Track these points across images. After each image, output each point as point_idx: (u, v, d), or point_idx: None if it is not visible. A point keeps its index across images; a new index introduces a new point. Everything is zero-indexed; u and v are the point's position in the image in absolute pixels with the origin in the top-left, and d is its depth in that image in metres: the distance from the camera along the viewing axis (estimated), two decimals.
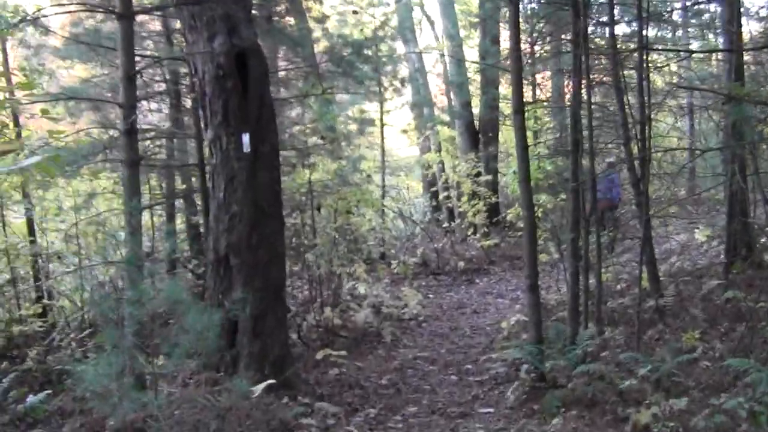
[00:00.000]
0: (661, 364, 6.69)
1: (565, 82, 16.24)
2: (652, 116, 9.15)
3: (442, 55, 22.89)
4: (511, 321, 10.43)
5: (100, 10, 8.70)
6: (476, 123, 20.48)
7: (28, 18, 7.95)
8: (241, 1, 7.79)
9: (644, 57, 8.69)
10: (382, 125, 18.42)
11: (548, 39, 14.41)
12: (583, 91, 8.41)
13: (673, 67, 18.16)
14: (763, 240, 10.86)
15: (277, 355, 7.76)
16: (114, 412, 5.36)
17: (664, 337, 8.13)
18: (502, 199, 19.98)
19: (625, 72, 10.35)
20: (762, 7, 17.54)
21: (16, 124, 11.03)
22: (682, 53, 14.54)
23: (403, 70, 20.38)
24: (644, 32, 9.00)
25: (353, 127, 15.61)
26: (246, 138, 7.61)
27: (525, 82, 13.18)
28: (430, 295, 14.17)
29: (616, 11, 10.00)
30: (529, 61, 15.21)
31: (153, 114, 12.66)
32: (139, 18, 10.39)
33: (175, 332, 5.34)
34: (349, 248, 13.22)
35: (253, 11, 8.82)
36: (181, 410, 5.96)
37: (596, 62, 11.95)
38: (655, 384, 6.58)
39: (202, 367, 7.19)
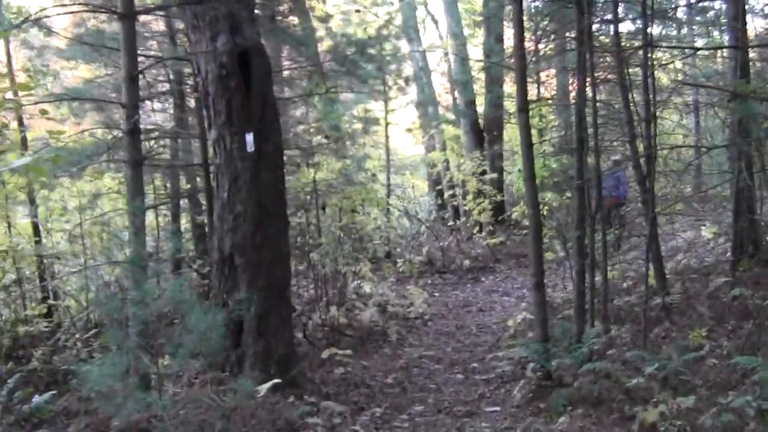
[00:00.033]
0: (668, 362, 6.66)
1: (570, 80, 16.19)
2: (658, 114, 9.11)
3: (447, 54, 22.90)
4: (517, 319, 10.41)
5: (102, 10, 8.68)
6: (481, 121, 20.46)
7: (31, 19, 7.93)
8: (243, 0, 7.76)
9: (649, 54, 8.65)
10: (387, 124, 18.39)
11: (552, 37, 14.36)
12: (588, 88, 8.37)
13: (678, 65, 18.13)
14: None
15: (282, 354, 7.74)
16: (118, 413, 5.35)
17: (670, 335, 8.09)
18: (507, 198, 19.96)
19: (630, 69, 10.31)
20: (767, 4, 17.47)
21: (21, 124, 11.02)
22: (687, 50, 14.48)
23: (408, 69, 20.34)
24: (649, 30, 8.97)
25: (358, 126, 15.59)
26: (249, 137, 7.60)
27: (529, 80, 13.14)
28: (436, 294, 14.14)
29: (620, 9, 9.97)
30: (534, 59, 15.18)
31: (157, 114, 12.65)
32: (143, 18, 10.39)
33: (179, 332, 5.33)
34: (355, 247, 13.20)
35: (256, 10, 8.80)
36: (186, 410, 5.95)
37: (601, 60, 11.91)
38: (662, 382, 6.54)
39: (207, 366, 7.18)
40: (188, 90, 11.34)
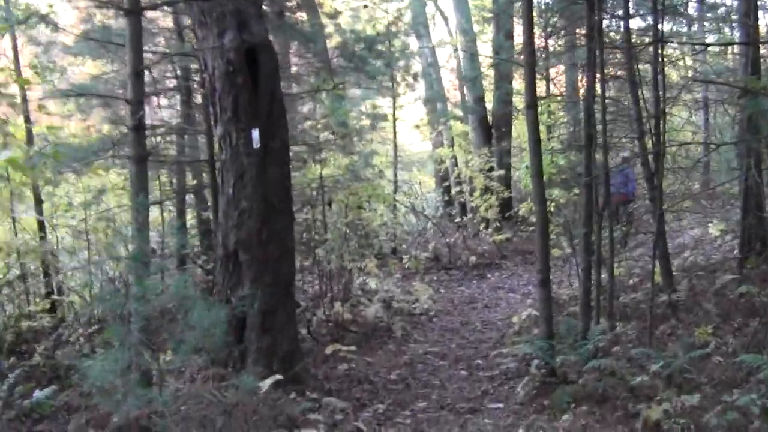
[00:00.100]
0: (673, 360, 6.63)
1: (579, 77, 16.15)
2: (667, 110, 9.07)
3: (456, 50, 22.85)
4: (523, 316, 10.38)
5: (108, 5, 8.68)
6: (489, 118, 20.41)
7: (37, 14, 7.93)
8: None
9: (659, 51, 8.62)
10: (395, 120, 18.37)
11: (562, 33, 14.35)
12: (597, 85, 8.34)
13: (689, 61, 18.08)
14: None
15: (286, 350, 7.74)
16: (118, 409, 5.34)
17: (676, 332, 8.06)
18: (514, 194, 19.91)
19: (640, 66, 10.27)
20: None
21: (27, 120, 11.03)
22: (697, 47, 14.42)
23: (416, 65, 20.34)
24: (659, 26, 8.94)
25: (365, 122, 15.57)
26: (256, 134, 7.59)
27: (538, 76, 13.13)
28: (442, 290, 14.13)
29: (630, 5, 9.96)
30: (543, 55, 15.16)
31: (164, 110, 12.66)
32: (150, 14, 10.40)
33: (182, 328, 5.32)
34: (360, 243, 13.19)
35: (264, 7, 8.80)
36: (187, 406, 5.94)
37: (610, 56, 11.88)
38: (667, 380, 6.52)
39: (210, 362, 7.18)
40: (195, 86, 11.33)
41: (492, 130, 20.08)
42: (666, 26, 14.66)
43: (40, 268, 10.86)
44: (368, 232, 13.94)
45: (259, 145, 7.60)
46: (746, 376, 6.45)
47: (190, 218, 12.97)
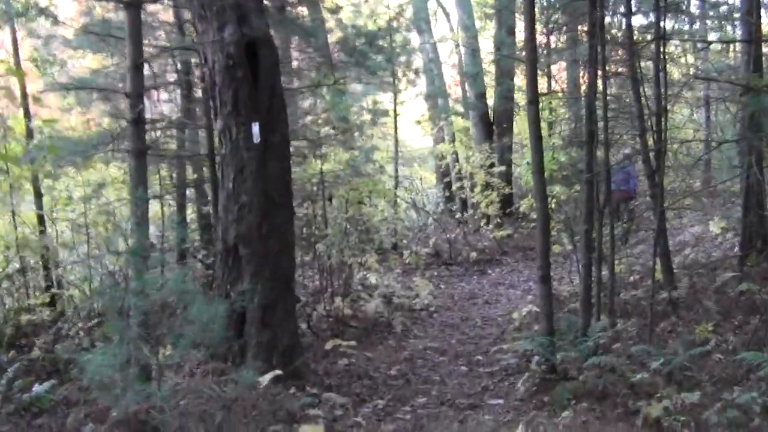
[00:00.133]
0: (674, 357, 6.62)
1: (581, 73, 16.12)
2: (668, 108, 9.05)
3: (457, 46, 22.81)
4: (523, 312, 10.37)
5: None
6: (491, 114, 20.40)
7: (36, 7, 7.91)
8: None
9: (661, 48, 8.59)
10: (396, 116, 18.32)
11: (564, 30, 14.33)
12: (599, 82, 8.31)
13: (690, 59, 18.05)
14: None
15: (286, 345, 7.71)
16: (117, 403, 5.33)
17: (677, 330, 8.05)
18: (515, 190, 19.92)
19: (642, 63, 10.24)
20: None
21: (27, 113, 11.01)
22: (699, 44, 14.40)
23: (418, 61, 20.30)
24: (661, 23, 8.91)
25: (366, 117, 15.54)
26: (256, 128, 7.57)
27: (540, 73, 13.08)
28: (442, 286, 14.12)
29: (632, 2, 9.89)
30: (545, 51, 15.13)
31: (164, 104, 12.63)
32: (151, 8, 10.38)
33: (180, 323, 5.30)
34: (361, 238, 13.17)
35: (265, 1, 8.78)
36: (187, 401, 5.93)
37: (612, 53, 11.84)
38: (667, 377, 6.50)
39: (210, 357, 7.16)
40: (195, 80, 11.31)
41: (493, 127, 20.08)
42: (668, 24, 14.64)
43: (40, 262, 10.84)
44: (369, 228, 13.91)
45: (259, 140, 7.57)
46: (746, 373, 6.44)
47: (191, 213, 12.95)
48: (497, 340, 9.84)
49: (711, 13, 18.08)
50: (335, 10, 13.97)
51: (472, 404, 7.39)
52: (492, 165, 18.25)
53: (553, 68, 18.46)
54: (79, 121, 11.18)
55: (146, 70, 9.43)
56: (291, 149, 8.84)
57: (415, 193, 20.31)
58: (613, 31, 12.08)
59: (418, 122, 22.88)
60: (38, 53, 11.30)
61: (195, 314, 5.39)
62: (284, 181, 7.99)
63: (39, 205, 11.14)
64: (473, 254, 15.92)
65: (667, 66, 9.43)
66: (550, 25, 14.15)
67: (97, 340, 8.43)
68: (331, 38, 13.14)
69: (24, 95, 11.15)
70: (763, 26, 10.50)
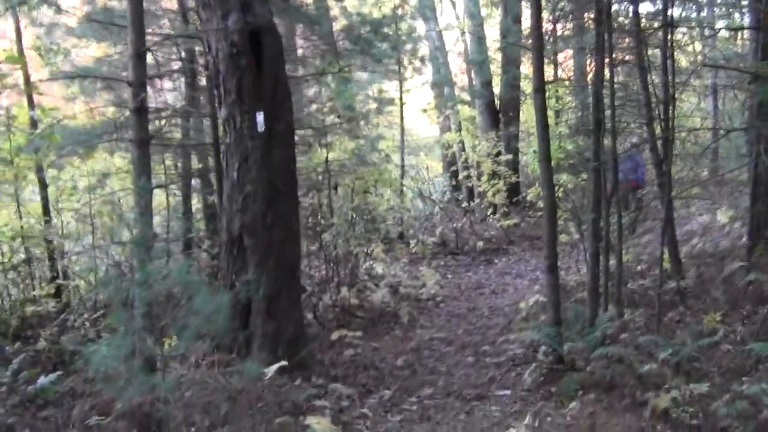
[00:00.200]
0: (682, 348, 6.56)
1: (588, 61, 16.04)
2: (676, 96, 8.98)
3: (463, 34, 22.71)
4: (530, 302, 10.32)
5: None
6: (497, 102, 20.32)
7: None
8: None
9: (669, 35, 8.52)
10: (402, 104, 18.25)
11: (570, 17, 14.21)
12: (606, 69, 8.25)
13: (698, 47, 17.94)
14: None
15: (292, 335, 7.69)
16: (121, 395, 5.29)
17: (684, 320, 8.00)
18: (522, 179, 19.84)
19: (649, 51, 10.16)
20: None
21: (30, 102, 10.97)
22: (707, 31, 14.30)
23: (423, 49, 20.24)
24: (669, 10, 8.83)
25: (372, 106, 15.49)
26: (260, 117, 7.53)
27: (546, 61, 13.00)
28: (449, 275, 14.08)
29: None
30: (551, 39, 15.03)
31: (169, 93, 12.58)
32: None
33: (185, 314, 5.25)
34: (367, 228, 13.13)
35: None
36: (192, 392, 5.90)
37: (619, 41, 11.75)
38: (675, 368, 6.45)
39: (215, 348, 7.14)
40: (199, 69, 11.25)
41: (499, 115, 19.99)
42: (675, 11, 14.52)
43: (45, 253, 10.81)
44: (375, 217, 13.87)
45: (263, 128, 7.54)
46: (755, 364, 6.40)
47: (196, 202, 12.91)
48: (504, 330, 9.80)
49: (719, 0, 17.96)
50: None
51: (479, 395, 7.38)
52: (498, 154, 18.19)
53: (560, 56, 18.34)
54: (77, 110, 11.09)
55: (150, 59, 9.41)
56: (296, 138, 8.80)
57: (421, 182, 20.27)
58: (620, 19, 11.97)
59: (424, 111, 22.81)
60: (41, 42, 11.23)
61: (199, 305, 5.34)
62: (289, 169, 7.95)
63: (44, 195, 11.10)
64: (480, 243, 15.87)
65: (675, 54, 9.35)
66: (557, 13, 14.02)
67: (102, 332, 8.40)
68: (336, 26, 13.09)
69: (27, 84, 11.11)
70: None
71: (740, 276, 8.88)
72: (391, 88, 18.53)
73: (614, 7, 10.47)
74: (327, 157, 12.01)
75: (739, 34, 16.53)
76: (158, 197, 12.08)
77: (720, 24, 18.08)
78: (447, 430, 6.55)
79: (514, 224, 17.07)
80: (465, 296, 12.40)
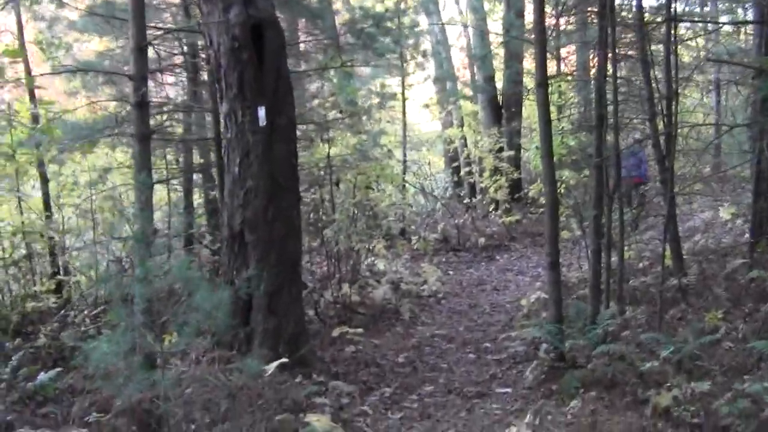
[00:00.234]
0: (684, 345, 6.54)
1: (591, 56, 15.99)
2: (679, 91, 8.94)
3: (466, 28, 22.64)
4: (531, 299, 10.30)
5: None
6: (499, 97, 20.27)
7: None
8: None
9: (672, 30, 8.48)
10: (404, 99, 18.22)
11: (573, 11, 14.17)
12: (609, 64, 8.21)
13: (701, 42, 17.88)
14: None
15: (292, 332, 7.67)
16: (120, 393, 5.27)
17: (686, 317, 7.97)
18: (524, 175, 19.81)
19: (652, 46, 10.13)
20: None
21: (32, 97, 10.93)
22: (710, 26, 14.25)
23: (426, 44, 20.18)
24: (672, 5, 8.79)
25: (374, 101, 15.45)
26: (262, 111, 7.50)
27: (549, 56, 12.96)
28: (450, 272, 14.06)
29: None
30: (554, 34, 14.98)
31: (171, 88, 12.55)
32: None
33: (184, 310, 5.23)
34: (369, 224, 13.11)
35: None
36: (192, 389, 5.88)
37: (622, 36, 11.72)
38: (677, 366, 6.42)
39: (216, 344, 7.11)
40: (202, 63, 11.22)
41: (502, 110, 19.94)
42: (679, 6, 14.48)
43: (46, 248, 10.78)
44: (377, 213, 13.86)
45: (265, 123, 7.52)
46: (757, 362, 6.37)
47: (198, 198, 12.88)
48: (505, 327, 9.79)
49: None
50: None
51: (480, 392, 7.36)
52: (501, 149, 18.17)
53: (563, 51, 18.28)
54: (82, 105, 11.07)
55: (151, 53, 9.37)
56: (298, 133, 8.78)
57: (423, 178, 20.24)
58: (624, 13, 11.94)
59: (427, 106, 22.76)
60: (43, 36, 11.21)
61: (199, 301, 5.32)
62: (290, 164, 7.93)
63: (45, 190, 11.08)
64: (482, 240, 15.84)
65: (678, 49, 9.32)
66: (560, 7, 13.98)
67: (103, 328, 8.37)
68: (339, 20, 13.04)
69: (29, 77, 11.07)
70: None
71: (742, 273, 8.86)
72: (393, 83, 18.48)
73: (617, 1, 10.44)
74: (329, 153, 11.97)
75: (743, 29, 16.47)
76: (160, 192, 12.06)
77: (723, 19, 18.04)
78: (447, 427, 6.54)
79: (516, 220, 17.04)
80: (466, 293, 12.38)
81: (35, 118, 10.58)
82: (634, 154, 13.41)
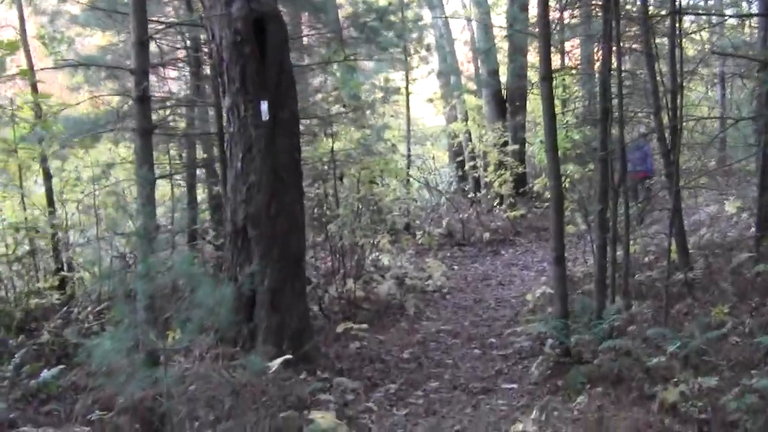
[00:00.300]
0: (690, 340, 6.49)
1: (595, 49, 15.93)
2: (684, 85, 8.89)
3: (470, 21, 22.57)
4: (537, 293, 10.28)
5: None
6: (504, 91, 20.21)
7: None
8: None
9: (677, 23, 8.43)
10: (408, 94, 18.16)
11: (578, 4, 14.12)
12: (613, 58, 8.16)
13: (706, 36, 17.83)
14: None
15: (296, 328, 7.63)
16: (122, 390, 5.24)
17: (692, 312, 7.93)
18: (529, 169, 19.77)
19: (657, 39, 10.07)
20: None
21: (34, 91, 10.90)
22: (715, 18, 14.19)
23: (430, 38, 20.13)
24: None
25: (378, 95, 15.41)
26: (264, 106, 7.46)
27: (553, 49, 12.91)
28: (455, 267, 14.02)
29: None
30: (558, 27, 14.93)
31: (174, 82, 12.52)
32: None
33: (187, 306, 5.19)
34: (373, 219, 13.07)
35: None
36: (195, 387, 5.84)
37: (627, 29, 11.66)
38: (684, 361, 6.38)
39: (219, 341, 7.06)
40: (204, 57, 11.18)
41: (506, 104, 19.90)
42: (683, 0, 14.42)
43: (50, 244, 10.75)
44: (381, 208, 13.82)
45: (267, 117, 7.47)
46: (764, 357, 6.35)
47: (201, 193, 12.85)
48: (511, 323, 9.75)
49: None
50: None
51: (486, 388, 7.32)
52: (505, 144, 18.11)
53: (567, 44, 18.23)
54: (84, 99, 11.04)
55: (154, 48, 9.32)
56: (301, 128, 8.74)
57: (427, 173, 20.19)
58: (628, 6, 11.89)
59: (431, 100, 22.72)
60: (45, 30, 11.17)
61: (202, 297, 5.28)
62: (293, 159, 7.89)
63: (48, 186, 11.05)
64: (486, 235, 15.81)
65: (683, 42, 9.26)
66: (564, 0, 13.94)
67: (106, 324, 8.33)
68: (342, 13, 13.00)
69: (32, 72, 11.03)
70: None
71: (748, 267, 8.83)
72: (397, 77, 18.46)
73: None
74: (332, 147, 11.94)
75: (748, 21, 16.40)
76: (163, 188, 12.04)
77: (728, 11, 17.98)
78: (453, 424, 6.49)
79: (521, 215, 17.00)
80: (471, 288, 12.35)
81: (38, 114, 10.55)
82: (639, 148, 13.35)
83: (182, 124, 11.95)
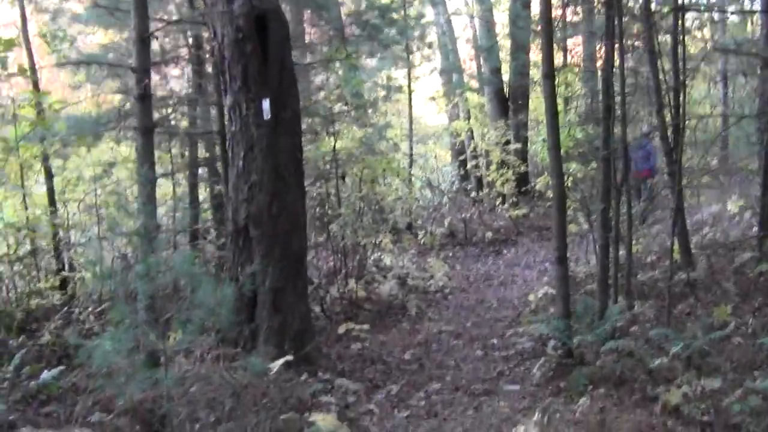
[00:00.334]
0: (693, 341, 6.45)
1: (597, 47, 15.90)
2: (687, 83, 8.86)
3: (472, 18, 22.54)
4: (539, 294, 10.26)
5: None
6: (506, 89, 20.18)
7: None
8: None
9: (679, 20, 8.39)
10: (410, 92, 18.14)
11: (580, 2, 14.10)
12: (616, 55, 8.13)
13: (708, 34, 17.81)
14: None
15: (298, 329, 7.60)
16: (122, 391, 5.21)
17: (695, 312, 7.91)
18: (531, 168, 19.73)
19: (659, 37, 10.04)
20: None
21: (36, 88, 10.87)
22: (717, 16, 14.17)
23: (432, 35, 20.10)
24: None
25: (380, 93, 15.38)
26: (266, 104, 7.43)
27: (556, 47, 12.89)
28: (457, 267, 13.99)
29: None
30: (560, 25, 14.90)
31: (175, 80, 12.48)
32: None
33: (188, 307, 5.16)
34: (375, 218, 13.05)
35: None
36: (196, 388, 5.81)
37: (629, 26, 11.63)
38: (686, 362, 6.35)
39: (220, 341, 7.05)
40: (207, 55, 11.15)
41: (508, 102, 19.86)
42: None
43: (51, 244, 10.72)
44: (383, 207, 13.80)
45: (269, 116, 7.45)
46: (766, 358, 6.31)
47: (203, 192, 12.81)
48: (513, 323, 9.73)
49: None
50: None
51: (487, 390, 7.30)
52: (507, 142, 18.08)
53: (569, 42, 18.22)
54: (85, 98, 11.03)
55: (156, 45, 9.28)
56: (303, 126, 8.72)
57: (429, 172, 20.17)
58: (630, 4, 11.85)
59: (433, 99, 22.67)
60: (47, 28, 11.15)
61: (202, 298, 5.25)
62: (295, 158, 7.87)
63: (50, 185, 11.02)
64: (489, 234, 15.79)
65: (685, 39, 9.23)
66: None
67: (107, 325, 8.30)
68: (344, 11, 12.97)
69: (33, 70, 11.00)
70: None
71: (751, 267, 8.82)
72: (399, 75, 18.44)
73: None
74: (334, 146, 11.91)
75: (750, 19, 16.40)
76: (164, 187, 12.00)
77: (731, 9, 17.95)
78: (454, 426, 6.47)
79: (523, 214, 16.96)
80: (473, 288, 12.33)
81: (40, 112, 10.53)
82: (642, 147, 13.32)
83: (184, 123, 11.91)
